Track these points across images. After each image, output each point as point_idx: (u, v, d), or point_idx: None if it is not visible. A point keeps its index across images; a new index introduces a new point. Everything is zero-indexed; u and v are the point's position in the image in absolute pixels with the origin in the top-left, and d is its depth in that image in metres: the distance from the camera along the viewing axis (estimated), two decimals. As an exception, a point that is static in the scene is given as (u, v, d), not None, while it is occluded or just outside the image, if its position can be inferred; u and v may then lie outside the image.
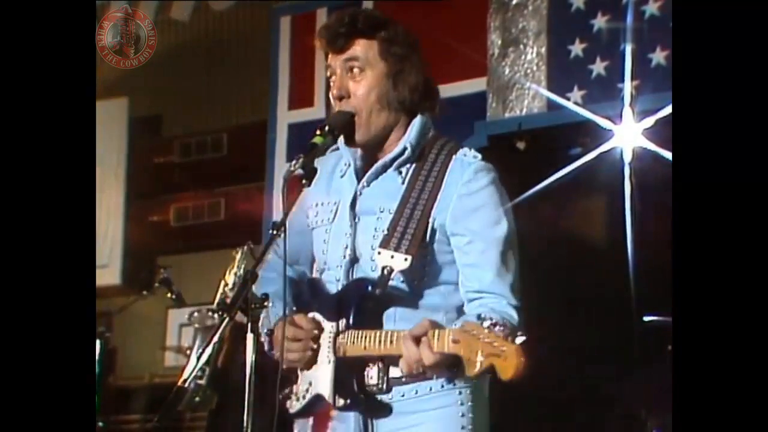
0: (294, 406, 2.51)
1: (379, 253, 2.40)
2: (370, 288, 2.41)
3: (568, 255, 5.37)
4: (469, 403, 2.44)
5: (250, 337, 2.20)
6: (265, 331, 2.51)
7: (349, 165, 2.57)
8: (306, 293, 2.61)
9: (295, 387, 2.52)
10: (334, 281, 2.53)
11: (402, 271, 2.39)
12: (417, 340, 2.22)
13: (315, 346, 2.45)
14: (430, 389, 2.42)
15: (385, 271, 2.39)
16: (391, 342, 2.31)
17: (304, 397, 2.49)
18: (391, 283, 2.41)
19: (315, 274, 2.65)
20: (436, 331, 2.20)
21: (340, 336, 2.42)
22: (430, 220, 2.42)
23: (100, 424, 5.45)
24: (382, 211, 2.47)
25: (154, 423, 6.17)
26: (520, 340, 2.07)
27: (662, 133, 4.72)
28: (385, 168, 2.51)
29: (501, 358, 2.06)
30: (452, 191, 2.42)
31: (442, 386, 2.42)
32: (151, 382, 7.01)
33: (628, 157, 4.93)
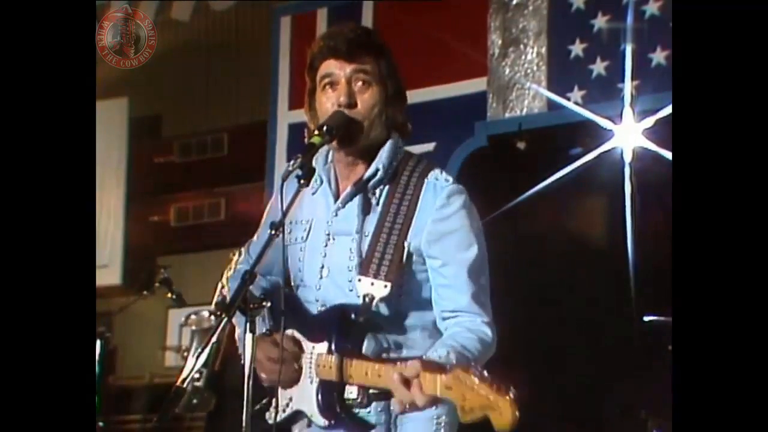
0: (273, 417, 2.53)
1: (359, 280, 2.44)
2: (353, 315, 2.44)
3: (568, 255, 5.37)
4: (444, 417, 2.48)
5: (249, 337, 2.20)
6: (265, 331, 2.51)
7: (321, 182, 2.58)
8: (282, 307, 2.60)
9: (274, 400, 2.53)
10: (312, 300, 2.55)
11: (382, 298, 2.43)
12: (407, 382, 2.22)
13: (296, 366, 2.48)
14: None
15: (367, 299, 2.43)
16: (379, 376, 2.33)
17: (284, 411, 2.52)
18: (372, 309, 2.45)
19: (293, 288, 2.65)
20: (428, 375, 2.20)
21: (323, 359, 2.44)
22: (406, 244, 2.46)
23: (100, 424, 5.45)
24: (357, 233, 2.50)
25: (153, 423, 6.16)
26: (512, 393, 2.10)
27: (662, 133, 4.72)
28: (359, 190, 2.53)
29: (496, 412, 2.10)
30: (426, 215, 2.47)
31: None
32: (151, 382, 7.01)
33: (628, 157, 4.93)
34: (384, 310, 2.48)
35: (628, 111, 4.92)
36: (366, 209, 2.52)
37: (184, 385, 4.51)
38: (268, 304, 2.28)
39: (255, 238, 2.81)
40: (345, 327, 2.45)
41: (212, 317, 5.11)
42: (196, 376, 4.63)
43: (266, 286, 2.70)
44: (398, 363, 2.30)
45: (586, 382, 5.08)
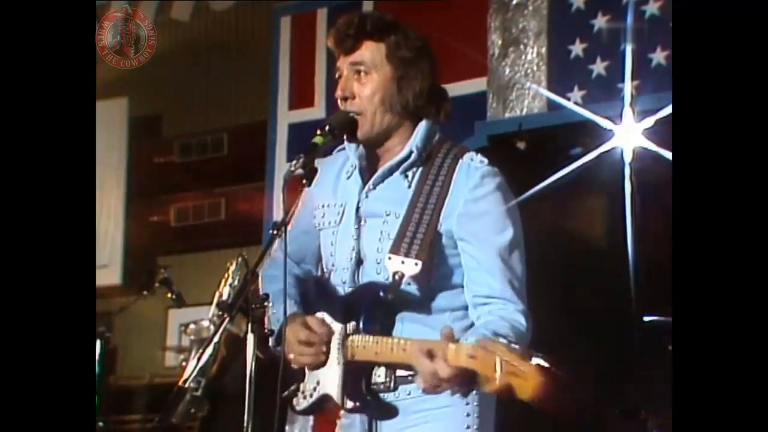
0: (301, 403, 2.53)
1: (389, 258, 2.41)
2: (381, 293, 2.42)
3: (568, 255, 5.37)
4: (475, 403, 2.45)
5: (250, 337, 2.20)
6: (271, 330, 2.51)
7: (355, 166, 2.57)
8: (312, 292, 2.63)
9: (302, 385, 2.53)
10: (340, 283, 2.54)
11: (412, 276, 2.40)
12: (431, 354, 2.20)
13: (326, 350, 2.46)
14: None
15: (396, 277, 2.40)
16: (404, 350, 2.31)
17: (311, 396, 2.50)
18: (401, 287, 2.42)
19: (324, 274, 2.66)
20: (451, 345, 2.19)
21: (350, 339, 2.43)
22: (438, 225, 2.43)
23: (100, 424, 5.44)
24: (388, 215, 2.48)
25: (155, 424, 6.16)
26: (537, 360, 2.07)
27: (662, 133, 4.72)
28: (391, 171, 2.52)
29: (520, 378, 2.07)
30: (459, 196, 2.44)
31: None
32: (151, 382, 7.00)
33: (628, 157, 4.93)
34: (414, 290, 2.44)
35: (628, 111, 4.91)
36: (398, 191, 2.49)
37: (186, 384, 4.51)
38: (271, 305, 2.28)
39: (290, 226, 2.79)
40: (374, 306, 2.43)
41: (211, 326, 5.11)
42: (194, 385, 4.62)
43: (299, 274, 2.69)
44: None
45: (586, 381, 5.08)
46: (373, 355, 2.38)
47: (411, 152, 2.49)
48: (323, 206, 2.61)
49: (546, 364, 2.07)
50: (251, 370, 2.19)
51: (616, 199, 4.93)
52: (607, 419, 4.99)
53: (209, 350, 2.22)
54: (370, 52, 2.50)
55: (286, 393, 2.51)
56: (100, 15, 5.93)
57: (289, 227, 2.75)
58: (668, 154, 4.57)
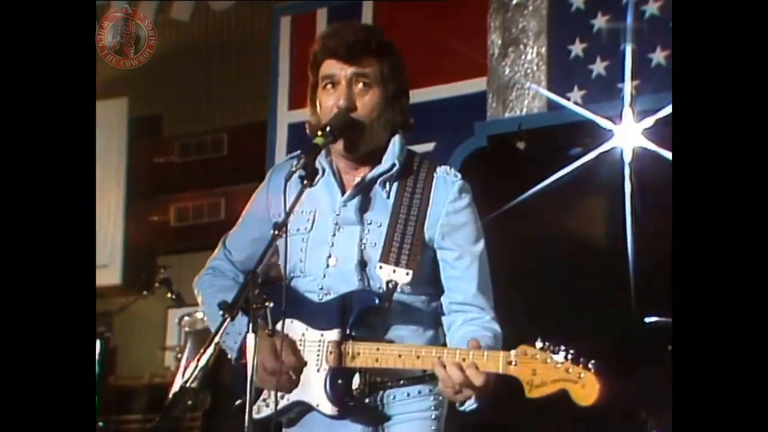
0: (262, 411, 2.53)
1: (380, 267, 2.48)
2: (377, 301, 2.47)
3: (568, 255, 5.38)
4: (442, 409, 2.53)
5: (251, 337, 2.20)
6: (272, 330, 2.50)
7: (323, 173, 2.58)
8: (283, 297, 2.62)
9: (264, 393, 2.53)
10: (315, 289, 2.56)
11: (405, 284, 2.48)
12: (460, 364, 2.28)
13: (293, 377, 2.48)
14: (407, 395, 2.50)
15: (390, 285, 2.47)
16: (417, 357, 2.38)
17: (276, 403, 2.50)
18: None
19: (286, 280, 2.65)
20: (485, 353, 2.28)
21: (338, 345, 2.45)
22: (423, 235, 2.51)
23: (100, 424, 5.45)
24: (369, 224, 2.53)
25: (154, 424, 6.17)
26: (593, 365, 2.16)
27: (662, 133, 4.72)
28: (372, 183, 2.56)
29: (578, 385, 2.17)
30: (440, 208, 2.52)
31: (419, 392, 2.51)
32: (151, 382, 7.01)
33: (628, 157, 4.94)
34: (404, 297, 2.51)
35: (628, 111, 4.92)
36: (377, 201, 2.55)
37: (187, 385, 4.52)
38: (271, 305, 2.27)
39: (237, 228, 2.79)
40: (365, 313, 2.48)
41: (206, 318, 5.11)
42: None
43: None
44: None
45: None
46: (373, 362, 2.42)
47: (394, 165, 2.55)
48: (279, 215, 2.60)
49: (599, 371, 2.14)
50: (252, 370, 2.19)
51: (616, 199, 4.94)
52: (607, 419, 4.99)
53: (210, 350, 2.21)
54: (372, 67, 2.54)
55: (239, 401, 2.50)
56: (100, 15, 5.94)
57: (233, 233, 2.76)
58: (668, 154, 4.58)
